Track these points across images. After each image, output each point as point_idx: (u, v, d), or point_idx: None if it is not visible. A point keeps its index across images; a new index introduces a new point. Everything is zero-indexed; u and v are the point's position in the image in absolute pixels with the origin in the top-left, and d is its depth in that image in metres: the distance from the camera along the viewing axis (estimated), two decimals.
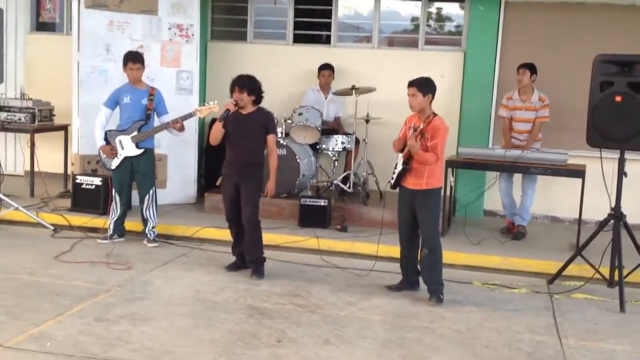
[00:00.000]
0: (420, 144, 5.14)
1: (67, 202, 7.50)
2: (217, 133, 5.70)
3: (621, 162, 5.63)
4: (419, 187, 5.27)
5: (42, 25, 9.46)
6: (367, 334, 4.53)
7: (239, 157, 5.68)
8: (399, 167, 5.33)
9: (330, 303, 5.13)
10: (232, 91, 5.64)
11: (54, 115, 8.37)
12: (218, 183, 6.22)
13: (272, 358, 4.04)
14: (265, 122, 5.74)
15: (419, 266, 5.47)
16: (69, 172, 8.37)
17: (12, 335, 4.12)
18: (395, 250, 5.94)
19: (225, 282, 5.50)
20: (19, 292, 4.95)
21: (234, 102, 5.62)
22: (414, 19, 8.76)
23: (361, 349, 4.27)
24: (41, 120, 8.10)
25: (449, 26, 8.80)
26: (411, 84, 5.26)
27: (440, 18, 8.76)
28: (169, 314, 4.70)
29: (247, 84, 5.59)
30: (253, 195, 5.69)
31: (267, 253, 5.84)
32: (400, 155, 5.34)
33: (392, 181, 5.43)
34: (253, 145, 5.71)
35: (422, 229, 5.32)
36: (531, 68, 7.12)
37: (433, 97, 5.27)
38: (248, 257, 5.75)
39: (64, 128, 8.44)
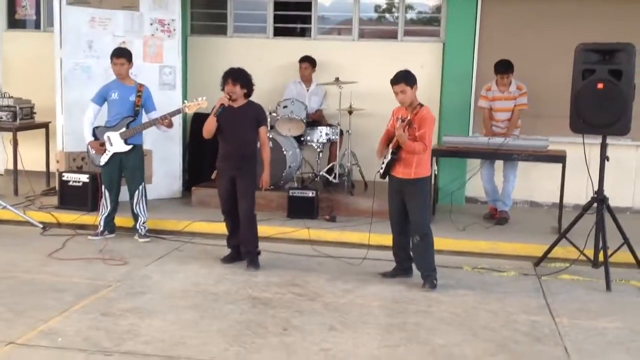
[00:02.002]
0: (408, 134, 5.26)
1: (53, 200, 7.47)
2: (211, 127, 5.73)
3: (603, 147, 5.82)
4: (407, 176, 5.39)
5: (17, 23, 9.35)
6: (368, 320, 4.65)
7: (233, 151, 5.74)
8: (388, 157, 5.44)
9: (328, 291, 5.24)
10: (224, 84, 5.68)
11: (34, 113, 8.29)
12: (213, 177, 6.26)
13: (281, 346, 4.13)
14: (256, 114, 5.81)
15: (411, 253, 5.61)
16: (51, 169, 8.33)
17: (21, 332, 4.14)
18: (385, 239, 6.09)
19: (223, 274, 5.56)
20: (18, 290, 4.96)
21: (227, 96, 5.67)
22: (393, 11, 8.88)
23: (365, 334, 4.38)
24: (22, 118, 8.02)
25: (427, 17, 8.93)
26: (398, 80, 5.32)
27: (419, 10, 8.88)
28: (173, 306, 4.76)
29: (240, 77, 5.66)
30: (249, 188, 5.76)
31: (259, 245, 5.91)
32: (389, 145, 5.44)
33: (382, 171, 5.54)
34: (246, 137, 5.77)
35: (412, 217, 5.44)
36: (512, 69, 7.29)
37: (417, 86, 5.39)
38: (244, 249, 5.82)
39: (45, 125, 8.37)
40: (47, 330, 4.20)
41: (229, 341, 4.15)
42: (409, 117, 5.26)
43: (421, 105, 5.35)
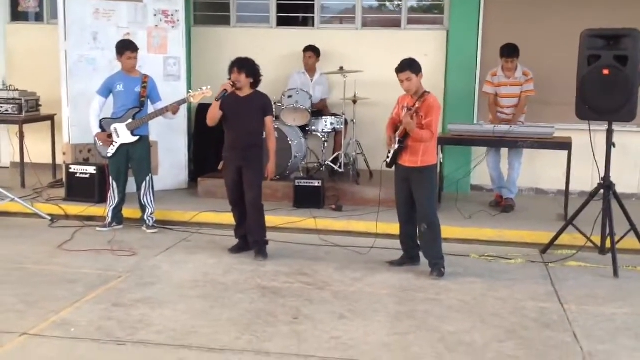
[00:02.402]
0: (415, 121, 5.27)
1: (60, 192, 7.50)
2: (214, 114, 5.75)
3: (609, 133, 5.82)
4: (414, 165, 5.39)
5: (20, 15, 9.35)
6: (378, 308, 4.68)
7: (239, 141, 5.75)
8: (395, 146, 5.44)
9: (337, 280, 5.27)
10: (230, 72, 5.69)
11: (40, 106, 8.31)
12: (220, 167, 6.27)
13: (292, 334, 4.16)
14: (263, 104, 5.81)
15: (418, 241, 5.63)
16: (57, 161, 8.35)
17: (34, 323, 4.17)
18: (391, 228, 6.13)
19: (231, 264, 5.59)
20: (29, 282, 4.99)
21: (232, 83, 5.68)
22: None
23: (376, 322, 4.41)
24: (28, 111, 8.04)
25: (431, 5, 8.92)
26: (403, 68, 5.32)
27: None
28: (183, 296, 4.79)
29: (245, 66, 5.66)
30: (256, 178, 5.78)
31: (267, 234, 5.93)
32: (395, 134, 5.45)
33: (388, 160, 5.54)
34: (252, 127, 5.78)
35: (419, 206, 5.45)
36: (518, 53, 7.27)
37: (422, 74, 5.40)
38: (251, 238, 5.84)
39: (51, 118, 8.39)
40: (60, 321, 4.23)
41: (240, 330, 4.18)
42: (416, 105, 5.27)
43: (427, 92, 5.35)
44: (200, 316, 4.41)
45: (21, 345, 3.87)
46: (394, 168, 5.58)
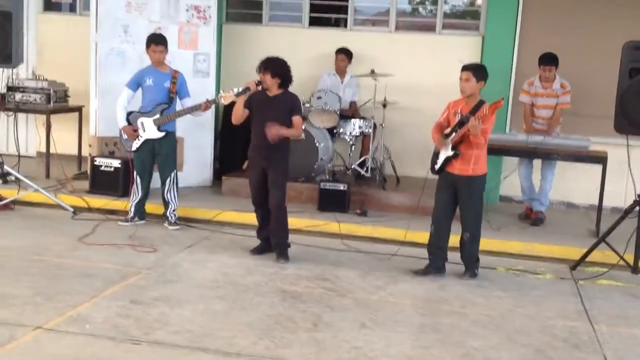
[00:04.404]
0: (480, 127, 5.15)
1: (83, 184, 7.47)
2: (238, 111, 5.66)
3: None
4: (465, 173, 5.30)
5: (53, 5, 9.36)
6: (401, 319, 4.54)
7: (264, 141, 5.64)
8: (447, 153, 5.32)
9: (359, 287, 5.14)
10: (259, 72, 5.60)
11: (68, 97, 8.29)
12: (244, 167, 6.18)
13: (311, 342, 4.04)
14: (291, 104, 5.69)
15: (446, 251, 5.51)
16: (83, 153, 8.33)
17: (49, 317, 4.10)
18: (419, 236, 6.00)
19: (253, 266, 5.49)
20: (49, 274, 4.93)
21: (256, 82, 5.59)
22: (431, 2, 8.71)
23: (397, 333, 4.27)
24: (56, 101, 8.02)
25: (467, 10, 8.75)
26: (467, 68, 5.31)
27: (459, 2, 8.71)
28: (203, 296, 4.69)
29: (271, 66, 5.54)
30: (281, 179, 5.67)
31: (289, 237, 5.82)
32: (448, 140, 5.32)
33: (437, 166, 5.43)
34: None
35: (466, 214, 5.41)
36: (557, 63, 7.08)
37: (484, 84, 5.30)
38: (274, 240, 5.73)
39: (79, 109, 8.37)
40: (76, 316, 4.16)
41: (258, 335, 4.07)
42: (485, 112, 5.10)
43: (483, 101, 5.23)
44: (218, 318, 4.31)
45: (34, 340, 3.80)
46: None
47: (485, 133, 5.18)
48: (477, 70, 5.27)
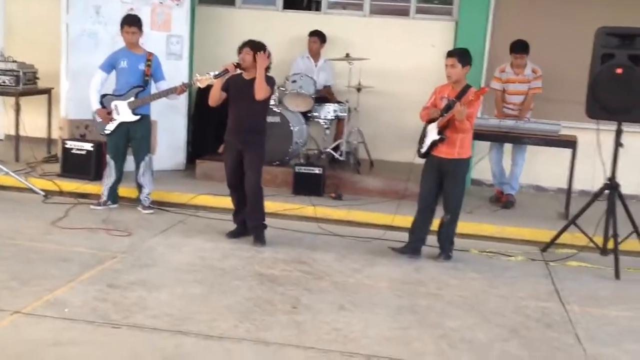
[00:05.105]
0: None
1: (54, 167, 7.37)
2: (216, 93, 5.64)
3: (618, 133, 5.75)
4: (450, 156, 5.38)
5: None
6: (378, 301, 4.60)
7: (241, 124, 5.63)
8: (433, 137, 5.38)
9: (336, 270, 5.18)
10: (239, 52, 5.57)
11: (37, 78, 8.14)
12: (220, 150, 6.15)
13: (291, 324, 4.07)
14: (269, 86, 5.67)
15: (425, 234, 5.61)
16: (53, 136, 8.21)
17: (27, 301, 4.06)
18: (398, 220, 6.06)
19: (229, 249, 5.49)
20: (23, 258, 4.87)
21: (235, 64, 5.56)
22: None
23: (376, 315, 4.33)
24: (25, 83, 7.88)
25: None
26: (451, 54, 5.40)
27: None
28: (180, 280, 4.69)
29: (256, 46, 5.52)
30: (257, 162, 5.67)
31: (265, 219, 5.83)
32: (432, 125, 5.37)
33: (423, 150, 5.49)
34: (255, 111, 5.65)
35: (449, 197, 5.50)
36: (528, 50, 7.16)
37: (469, 69, 5.40)
38: (250, 223, 5.73)
39: (48, 91, 8.23)
40: (53, 300, 4.12)
41: (238, 318, 4.09)
42: (470, 98, 5.18)
43: (469, 86, 5.29)
44: (197, 301, 4.31)
45: (12, 324, 3.76)
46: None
47: (470, 117, 5.27)
48: (462, 56, 5.34)
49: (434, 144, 5.40)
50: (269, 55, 5.60)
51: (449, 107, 5.26)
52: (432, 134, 5.39)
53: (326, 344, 3.84)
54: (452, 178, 5.42)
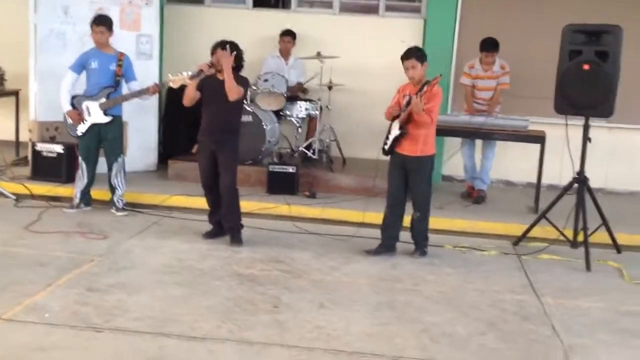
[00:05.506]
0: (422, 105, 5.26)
1: (24, 170, 7.27)
2: (190, 93, 5.62)
3: (586, 128, 5.88)
4: (413, 154, 5.42)
5: None
6: (357, 298, 4.64)
7: (214, 124, 5.62)
8: (395, 132, 5.42)
9: (314, 268, 5.21)
10: (213, 53, 5.55)
11: (5, 80, 8.02)
12: (194, 151, 6.14)
13: (273, 323, 4.09)
14: (241, 86, 5.67)
15: (398, 231, 5.66)
16: (21, 139, 8.09)
17: (6, 307, 4.01)
18: (370, 216, 6.10)
19: (206, 250, 5.48)
20: None
21: (209, 64, 5.56)
22: None
23: (356, 312, 4.37)
24: None
25: None
26: (409, 55, 5.39)
27: None
28: (159, 282, 4.67)
29: (233, 49, 5.51)
30: (231, 163, 5.67)
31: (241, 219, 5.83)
32: (395, 122, 5.43)
33: (387, 147, 5.54)
34: (229, 111, 5.64)
35: (416, 194, 5.54)
36: (498, 48, 7.27)
37: (427, 65, 5.46)
38: (226, 224, 5.73)
39: (15, 93, 8.11)
40: (33, 305, 4.08)
41: (220, 318, 4.10)
42: (424, 89, 5.25)
43: (428, 81, 5.34)
44: (178, 303, 4.31)
45: None
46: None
47: (430, 112, 5.30)
48: (419, 55, 5.39)
49: (396, 140, 5.44)
50: (239, 54, 5.58)
51: (408, 103, 5.32)
52: (395, 131, 5.44)
53: (309, 342, 3.87)
54: (416, 175, 5.47)
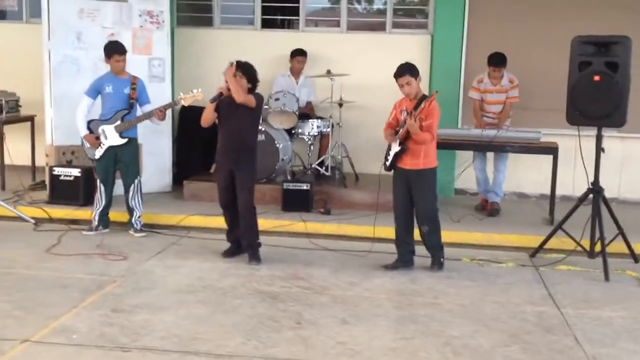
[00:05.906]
0: (418, 124, 5.29)
1: (42, 195, 7.34)
2: (209, 115, 5.70)
3: (599, 138, 5.91)
4: (416, 167, 5.44)
5: None
6: (379, 312, 4.67)
7: (231, 143, 5.68)
8: (395, 149, 5.47)
9: (334, 284, 5.24)
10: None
11: (20, 106, 8.12)
12: (212, 170, 6.20)
13: (297, 340, 4.12)
14: (256, 105, 5.74)
15: (412, 245, 5.67)
16: (37, 163, 8.18)
17: (35, 329, 4.06)
18: (385, 231, 6.13)
19: (225, 269, 5.53)
20: (23, 287, 4.87)
21: (228, 87, 5.63)
22: (381, 3, 8.89)
23: (378, 327, 4.40)
24: (8, 112, 7.85)
25: (416, 9, 8.96)
26: (402, 72, 5.41)
27: (408, 1, 8.90)
28: (182, 301, 4.72)
29: (249, 71, 5.60)
30: (248, 181, 5.72)
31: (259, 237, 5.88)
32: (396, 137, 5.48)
33: (388, 163, 5.57)
34: (245, 131, 5.71)
35: (421, 208, 5.53)
36: (505, 63, 7.33)
37: (421, 78, 5.50)
38: (245, 242, 5.78)
39: (31, 119, 8.21)
40: (60, 327, 4.13)
41: (245, 336, 4.13)
42: (421, 106, 5.28)
43: (425, 96, 5.38)
44: (202, 322, 4.35)
45: (24, 353, 3.76)
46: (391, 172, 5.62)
47: (430, 128, 5.33)
48: (412, 71, 5.41)
49: (397, 156, 5.47)
50: (252, 74, 5.65)
51: (405, 122, 5.36)
52: (395, 146, 5.47)
53: (334, 357, 3.90)
54: (419, 189, 5.48)
